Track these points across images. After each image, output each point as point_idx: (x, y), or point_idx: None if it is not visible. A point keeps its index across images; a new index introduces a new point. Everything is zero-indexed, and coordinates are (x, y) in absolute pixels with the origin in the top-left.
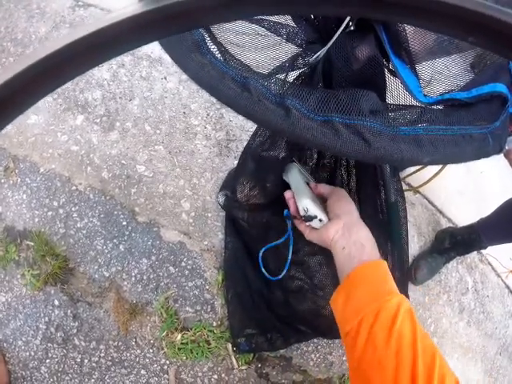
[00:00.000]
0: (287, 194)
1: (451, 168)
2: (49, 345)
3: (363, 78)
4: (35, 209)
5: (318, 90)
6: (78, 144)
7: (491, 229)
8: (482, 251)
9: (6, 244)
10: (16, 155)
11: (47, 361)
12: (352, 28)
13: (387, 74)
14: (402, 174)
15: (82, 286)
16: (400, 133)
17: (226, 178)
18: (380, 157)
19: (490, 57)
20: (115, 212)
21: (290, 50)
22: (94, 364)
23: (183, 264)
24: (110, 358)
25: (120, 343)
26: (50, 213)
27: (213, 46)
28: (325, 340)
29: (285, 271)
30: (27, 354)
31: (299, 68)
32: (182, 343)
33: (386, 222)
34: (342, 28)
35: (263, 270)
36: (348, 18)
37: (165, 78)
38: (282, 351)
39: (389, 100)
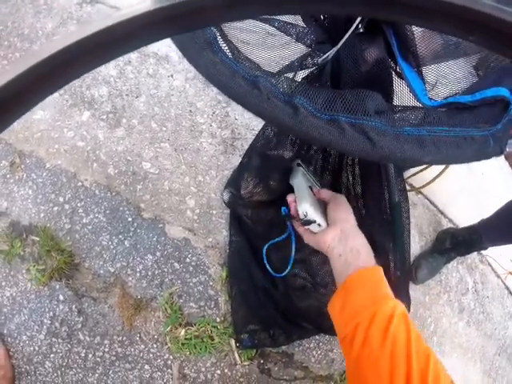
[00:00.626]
0: (289, 198)
1: (453, 169)
2: (53, 339)
3: (371, 80)
4: (41, 204)
5: (325, 89)
6: (84, 140)
7: (492, 230)
8: (483, 252)
9: (11, 239)
10: (22, 150)
11: (51, 355)
12: (361, 30)
13: (394, 77)
14: (405, 175)
15: (86, 281)
16: (404, 133)
17: (230, 175)
18: (384, 156)
19: (493, 59)
20: (121, 208)
21: (300, 49)
22: (98, 359)
23: (188, 260)
24: (114, 353)
25: (124, 338)
26: (55, 208)
27: (224, 45)
28: (326, 337)
29: (288, 268)
30: (31, 348)
31: (308, 68)
32: (185, 338)
33: (389, 222)
34: (351, 29)
35: (267, 266)
36: (358, 20)
37: (171, 76)
38: (284, 347)
39: (395, 102)
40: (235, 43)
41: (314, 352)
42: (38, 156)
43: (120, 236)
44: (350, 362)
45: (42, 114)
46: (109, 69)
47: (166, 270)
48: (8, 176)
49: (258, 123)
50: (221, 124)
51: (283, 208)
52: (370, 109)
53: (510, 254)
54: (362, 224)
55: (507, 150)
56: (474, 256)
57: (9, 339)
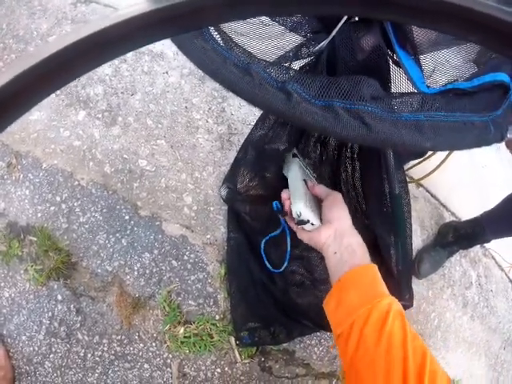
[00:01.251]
0: (283, 195)
1: (454, 161)
2: (52, 339)
3: (368, 68)
4: (38, 204)
5: (319, 76)
6: (80, 139)
7: (495, 222)
8: (486, 245)
9: (9, 239)
10: (18, 151)
11: (51, 355)
12: (356, 18)
13: (391, 65)
14: (405, 167)
15: (84, 280)
16: (401, 118)
17: (228, 171)
18: (380, 140)
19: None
20: (117, 206)
21: (295, 39)
22: (97, 358)
23: (185, 258)
24: (113, 352)
25: (123, 337)
26: (52, 208)
27: (215, 33)
28: (328, 333)
29: (285, 264)
30: (31, 349)
31: (303, 57)
32: (184, 337)
33: (389, 214)
34: (345, 18)
35: (266, 262)
36: None
37: (166, 73)
38: (284, 345)
39: (392, 90)
40: (228, 33)
41: (316, 349)
42: (34, 156)
43: (117, 234)
44: (345, 360)
45: (38, 114)
46: (104, 67)
47: (163, 267)
48: (5, 177)
49: (254, 118)
50: (217, 120)
51: (274, 203)
52: (366, 94)
53: None
54: (363, 218)
55: (508, 136)
56: (477, 249)
57: (8, 340)
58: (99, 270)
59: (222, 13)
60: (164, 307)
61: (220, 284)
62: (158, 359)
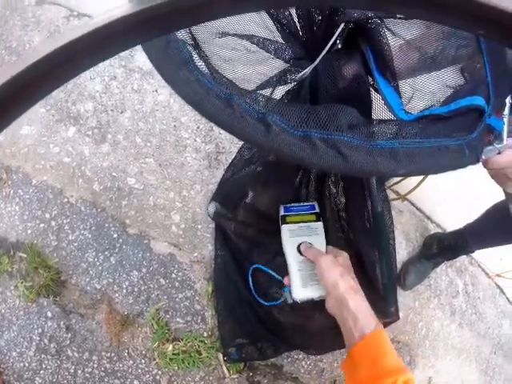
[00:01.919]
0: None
1: (439, 175)
2: (42, 356)
3: (349, 96)
4: (28, 221)
5: (299, 106)
6: (70, 156)
7: (477, 233)
8: (472, 254)
9: None
10: (9, 166)
11: (41, 372)
12: (339, 46)
13: (372, 92)
14: (389, 183)
15: (74, 297)
16: (377, 146)
17: (216, 189)
18: (355, 169)
19: (478, 59)
20: (106, 224)
21: (278, 65)
22: (87, 375)
23: (173, 276)
24: (103, 369)
25: (112, 354)
26: (42, 225)
27: (200, 63)
28: None
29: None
30: (21, 364)
31: (286, 83)
32: (173, 354)
33: (373, 231)
34: (329, 45)
35: (253, 291)
36: (335, 36)
37: (156, 91)
38: (272, 359)
39: (374, 116)
40: (214, 61)
41: (303, 363)
42: (24, 172)
43: (106, 252)
44: None
45: (28, 129)
46: (94, 84)
47: (151, 285)
48: None
49: None
50: (205, 138)
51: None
52: (343, 124)
53: (499, 254)
54: (347, 237)
55: (483, 157)
56: (463, 258)
57: None
58: (88, 288)
59: (219, 8)
60: (152, 325)
61: (207, 301)
62: (148, 376)
